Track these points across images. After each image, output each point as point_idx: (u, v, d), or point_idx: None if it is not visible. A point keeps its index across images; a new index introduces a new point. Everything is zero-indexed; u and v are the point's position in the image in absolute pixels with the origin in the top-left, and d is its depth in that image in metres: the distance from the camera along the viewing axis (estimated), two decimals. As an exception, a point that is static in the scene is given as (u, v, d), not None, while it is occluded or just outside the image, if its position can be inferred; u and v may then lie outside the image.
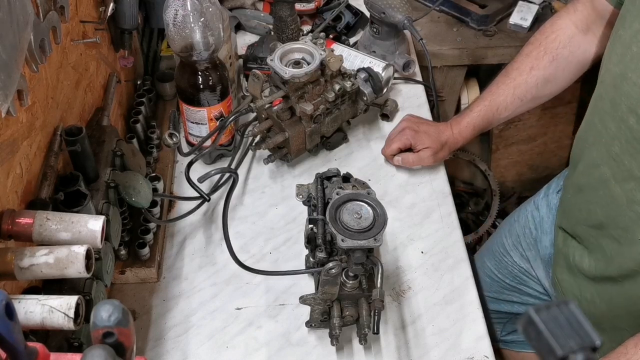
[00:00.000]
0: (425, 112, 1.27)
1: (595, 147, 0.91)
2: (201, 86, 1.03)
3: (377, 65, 1.22)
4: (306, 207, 0.93)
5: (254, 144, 1.13)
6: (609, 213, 0.90)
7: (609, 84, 0.87)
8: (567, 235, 1.04)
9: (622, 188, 0.86)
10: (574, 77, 1.09)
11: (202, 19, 0.96)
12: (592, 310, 0.98)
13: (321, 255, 0.83)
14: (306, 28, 1.43)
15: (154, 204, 0.97)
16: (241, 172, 1.13)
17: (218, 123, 1.07)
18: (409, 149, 1.14)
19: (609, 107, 0.87)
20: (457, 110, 1.69)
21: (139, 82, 1.20)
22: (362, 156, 1.19)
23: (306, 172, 1.15)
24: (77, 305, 0.62)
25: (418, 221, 1.07)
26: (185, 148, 1.12)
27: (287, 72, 1.02)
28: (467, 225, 1.94)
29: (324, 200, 0.89)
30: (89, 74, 0.94)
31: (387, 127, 1.22)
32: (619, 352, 0.81)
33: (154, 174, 1.01)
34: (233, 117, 1.07)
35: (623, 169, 0.85)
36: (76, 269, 0.64)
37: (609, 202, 0.89)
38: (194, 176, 0.94)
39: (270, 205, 1.10)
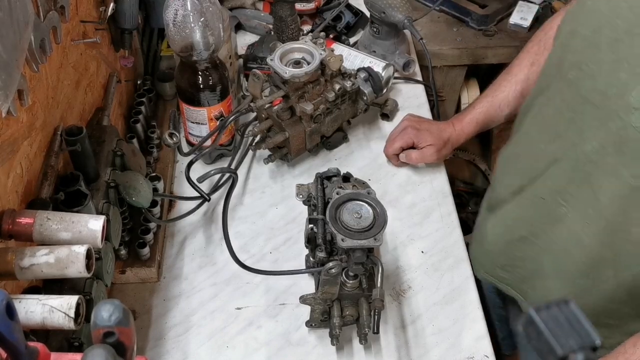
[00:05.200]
0: (425, 112, 1.27)
1: (531, 113, 0.93)
2: (201, 86, 1.04)
3: (377, 65, 1.22)
4: (306, 207, 0.93)
5: (254, 144, 1.13)
6: (530, 177, 0.91)
7: (558, 45, 0.87)
8: (488, 212, 1.07)
9: (545, 149, 0.87)
10: None
11: (202, 18, 0.96)
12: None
13: (321, 254, 0.83)
14: (306, 28, 1.43)
15: (154, 203, 0.97)
16: (241, 172, 1.13)
17: (218, 123, 1.07)
18: (411, 148, 1.14)
19: (553, 67, 0.87)
20: (457, 110, 1.69)
21: (139, 82, 1.20)
22: (362, 156, 1.19)
23: (306, 172, 1.15)
24: (78, 305, 0.62)
25: (418, 221, 1.07)
26: (186, 148, 1.12)
27: (287, 71, 1.02)
28: (467, 225, 1.94)
29: (324, 200, 0.89)
30: (89, 73, 0.95)
31: (387, 126, 1.22)
32: (617, 351, 0.81)
33: (154, 174, 1.01)
34: (233, 117, 1.07)
35: (550, 129, 0.86)
36: (76, 268, 0.64)
37: (532, 164, 0.90)
38: (194, 176, 0.94)
39: (270, 205, 1.10)
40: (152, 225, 0.97)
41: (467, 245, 1.06)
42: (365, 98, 1.14)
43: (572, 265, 0.89)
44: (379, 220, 0.77)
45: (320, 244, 0.84)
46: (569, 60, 0.82)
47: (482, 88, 1.66)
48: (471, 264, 1.02)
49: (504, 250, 1.02)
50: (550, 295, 0.94)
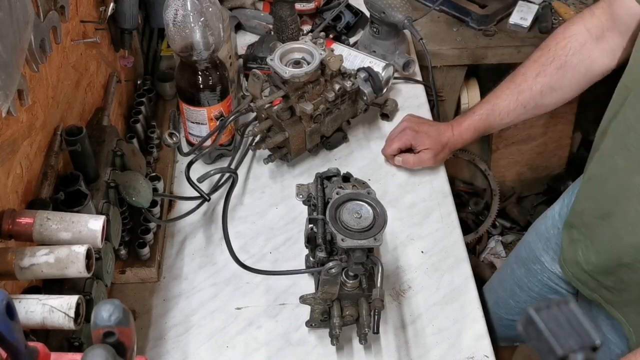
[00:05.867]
0: (425, 112, 1.27)
1: (611, 136, 0.89)
2: (201, 86, 1.04)
3: (377, 65, 1.22)
4: (306, 207, 0.93)
5: (254, 144, 1.13)
6: (618, 203, 0.88)
7: (637, 72, 0.84)
8: (572, 230, 1.03)
9: (632, 180, 0.84)
10: (581, 87, 1.05)
11: (202, 18, 0.97)
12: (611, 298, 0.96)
13: (321, 254, 0.83)
14: (306, 28, 1.43)
15: (154, 203, 0.97)
16: (241, 172, 1.13)
17: (218, 123, 1.07)
18: (410, 149, 1.14)
19: (632, 96, 0.83)
20: (457, 110, 1.69)
21: (139, 82, 1.20)
22: (362, 156, 1.19)
23: (306, 172, 1.15)
24: (78, 304, 0.62)
25: (418, 221, 1.07)
26: (185, 148, 1.12)
27: (287, 71, 1.02)
28: (467, 225, 1.94)
29: (324, 200, 0.89)
30: (89, 73, 0.95)
31: (387, 126, 1.22)
32: (628, 358, 0.81)
33: (154, 174, 1.00)
34: (233, 117, 1.07)
35: (635, 160, 0.83)
36: (76, 268, 0.64)
37: (618, 192, 0.87)
38: (194, 176, 0.94)
39: (270, 205, 1.10)
40: (152, 225, 0.97)
41: (467, 245, 1.05)
42: (365, 98, 1.14)
43: None
44: (379, 220, 0.77)
45: (320, 244, 0.84)
46: None
47: (482, 88, 1.67)
48: (568, 281, 0.98)
49: (612, 273, 0.95)
50: None
